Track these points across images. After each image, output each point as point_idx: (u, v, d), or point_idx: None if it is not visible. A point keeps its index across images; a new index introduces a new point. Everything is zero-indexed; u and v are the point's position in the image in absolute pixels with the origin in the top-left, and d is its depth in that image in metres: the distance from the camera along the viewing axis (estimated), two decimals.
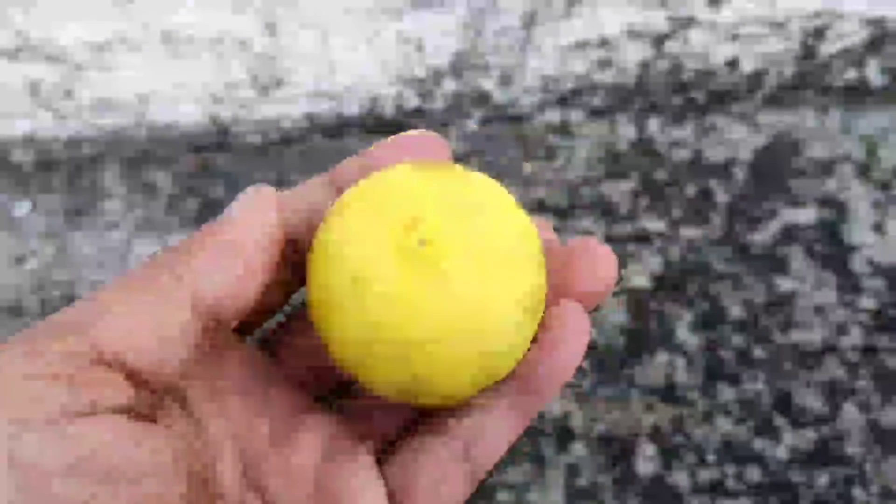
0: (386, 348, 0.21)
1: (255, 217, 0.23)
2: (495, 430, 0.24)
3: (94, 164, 0.55)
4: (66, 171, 0.54)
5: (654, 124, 0.55)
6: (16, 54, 0.48)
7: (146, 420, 0.21)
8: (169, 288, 0.21)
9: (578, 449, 0.42)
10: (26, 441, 0.19)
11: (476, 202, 0.23)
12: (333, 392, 0.26)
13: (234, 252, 0.22)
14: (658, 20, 0.51)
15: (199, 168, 0.54)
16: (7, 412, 0.19)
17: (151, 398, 0.22)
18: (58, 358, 0.20)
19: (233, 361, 0.24)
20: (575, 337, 0.25)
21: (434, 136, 0.26)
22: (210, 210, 0.52)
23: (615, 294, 0.47)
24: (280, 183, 0.52)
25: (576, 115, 0.55)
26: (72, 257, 0.50)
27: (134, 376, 0.21)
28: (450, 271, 0.21)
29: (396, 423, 0.25)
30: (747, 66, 0.54)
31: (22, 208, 0.53)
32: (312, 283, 0.22)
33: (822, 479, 0.40)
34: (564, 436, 0.42)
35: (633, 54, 0.53)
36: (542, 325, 0.23)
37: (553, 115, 0.55)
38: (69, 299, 0.48)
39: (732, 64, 0.54)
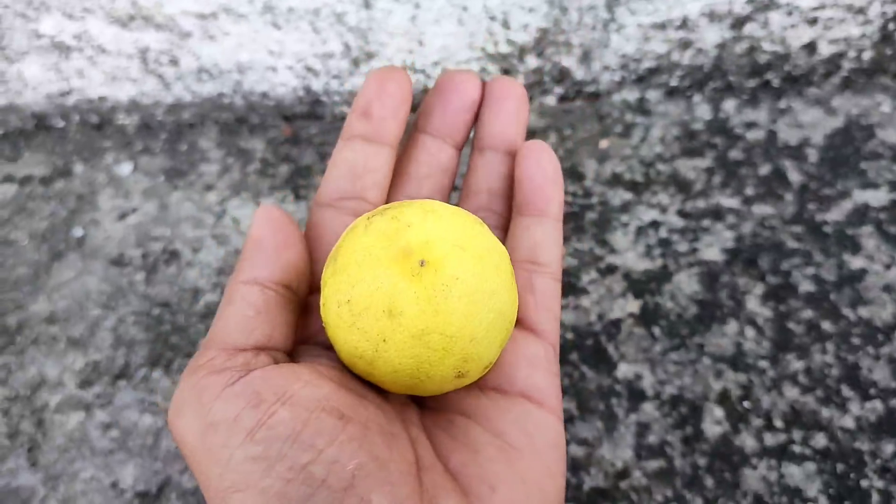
0: (391, 359, 0.27)
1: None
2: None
3: (192, 129, 0.58)
4: (167, 135, 0.58)
5: (729, 105, 0.56)
6: (128, 22, 0.52)
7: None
8: None
9: (648, 409, 0.43)
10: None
11: (462, 236, 0.28)
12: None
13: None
14: (738, 3, 0.52)
15: (291, 135, 0.57)
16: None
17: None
18: None
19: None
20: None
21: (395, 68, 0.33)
22: (300, 175, 0.55)
23: (688, 265, 0.48)
24: None
25: (653, 94, 0.56)
26: (171, 215, 0.53)
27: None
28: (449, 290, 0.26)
29: None
30: (825, 50, 0.55)
31: (125, 168, 0.56)
32: (322, 303, 0.28)
33: (889, 449, 0.41)
34: (635, 396, 0.44)
35: (711, 35, 0.54)
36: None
37: (631, 94, 0.57)
38: (170, 253, 0.51)
39: (810, 47, 0.55)
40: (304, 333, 0.32)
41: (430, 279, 0.26)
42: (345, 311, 0.27)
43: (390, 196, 0.35)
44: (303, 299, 0.31)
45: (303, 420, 0.25)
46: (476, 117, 0.36)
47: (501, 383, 0.31)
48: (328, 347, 0.31)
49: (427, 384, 0.28)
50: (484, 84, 0.36)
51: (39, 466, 0.43)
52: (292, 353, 0.31)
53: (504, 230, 0.35)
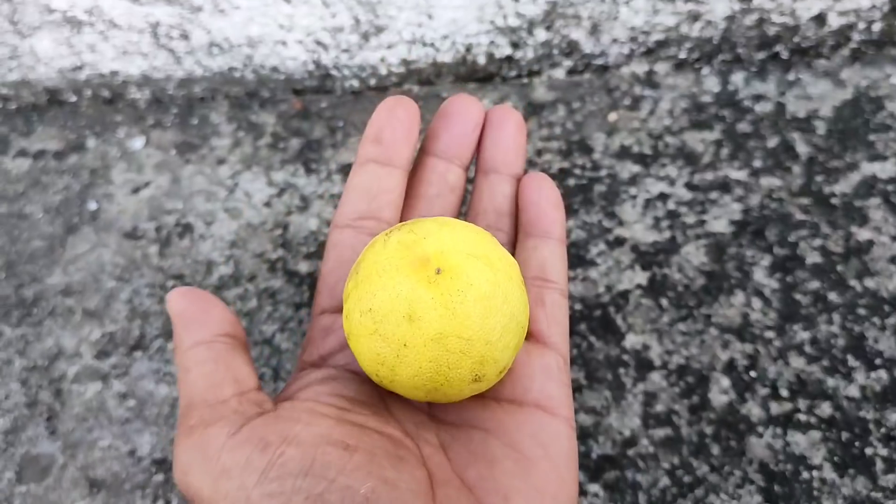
0: (412, 363, 0.28)
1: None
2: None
3: (203, 103, 0.58)
4: (178, 109, 0.58)
5: (738, 77, 0.56)
6: None
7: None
8: None
9: (656, 378, 0.44)
10: None
11: (473, 248, 0.30)
12: None
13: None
14: None
15: (302, 109, 0.57)
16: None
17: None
18: None
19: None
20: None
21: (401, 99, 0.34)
22: (310, 149, 0.55)
23: (696, 237, 0.49)
24: None
25: (662, 67, 0.57)
26: (183, 188, 0.54)
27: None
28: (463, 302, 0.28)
29: None
30: (834, 22, 0.55)
31: (137, 142, 0.57)
32: (345, 316, 0.30)
33: (893, 417, 0.42)
34: (643, 366, 0.45)
35: (720, 8, 0.54)
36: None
37: (640, 66, 0.57)
38: (183, 226, 0.52)
39: (819, 19, 0.55)
40: (321, 354, 0.33)
41: (447, 285, 0.28)
42: (367, 320, 0.28)
43: (403, 215, 0.38)
44: (244, 340, 0.33)
45: (310, 455, 0.26)
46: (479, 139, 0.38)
47: (516, 394, 0.32)
48: (343, 367, 0.33)
49: (446, 388, 0.29)
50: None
51: (58, 435, 0.44)
52: (311, 368, 0.33)
53: (511, 247, 0.38)
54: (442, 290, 0.28)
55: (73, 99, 0.59)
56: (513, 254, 0.37)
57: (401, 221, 0.37)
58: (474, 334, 0.28)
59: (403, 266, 0.28)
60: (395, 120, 0.35)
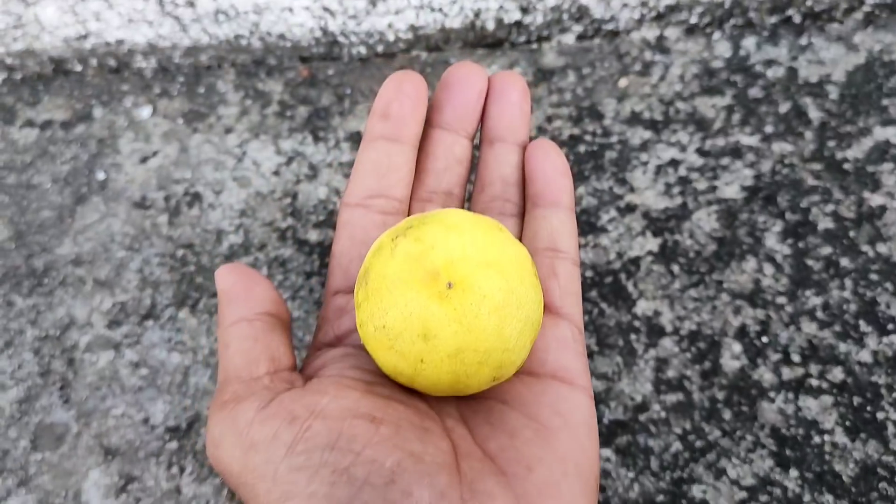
0: (430, 376, 0.28)
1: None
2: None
3: (210, 72, 0.58)
4: (185, 78, 0.58)
5: (749, 42, 0.55)
6: None
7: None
8: None
9: (667, 344, 0.44)
10: None
11: (482, 247, 0.29)
12: None
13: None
14: None
15: (309, 77, 0.57)
16: None
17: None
18: None
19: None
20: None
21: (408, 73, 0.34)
22: (318, 117, 0.55)
23: (707, 203, 0.48)
24: None
25: (672, 32, 0.56)
26: (191, 158, 0.54)
27: None
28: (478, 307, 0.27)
29: None
30: None
31: (144, 111, 0.56)
32: (359, 324, 0.30)
33: None
34: (654, 332, 0.45)
35: None
36: None
37: (650, 31, 0.56)
38: (192, 195, 0.52)
39: None
40: (336, 334, 0.33)
41: (459, 299, 0.27)
42: (381, 335, 0.28)
43: (412, 191, 0.37)
44: (286, 320, 0.34)
45: (337, 429, 0.26)
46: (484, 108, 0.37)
47: (533, 367, 0.32)
48: (360, 346, 0.33)
49: (466, 391, 0.29)
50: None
51: (72, 403, 0.45)
52: (329, 347, 0.33)
53: (520, 217, 0.37)
54: (455, 305, 0.27)
55: (79, 68, 0.59)
56: (521, 224, 0.37)
57: (410, 197, 0.37)
58: (491, 346, 0.28)
59: (413, 282, 0.27)
60: (402, 95, 0.35)
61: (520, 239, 0.36)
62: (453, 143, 0.37)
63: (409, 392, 0.31)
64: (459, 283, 0.27)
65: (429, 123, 0.37)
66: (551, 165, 0.35)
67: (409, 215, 0.36)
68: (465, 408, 0.31)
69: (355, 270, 0.34)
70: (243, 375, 0.30)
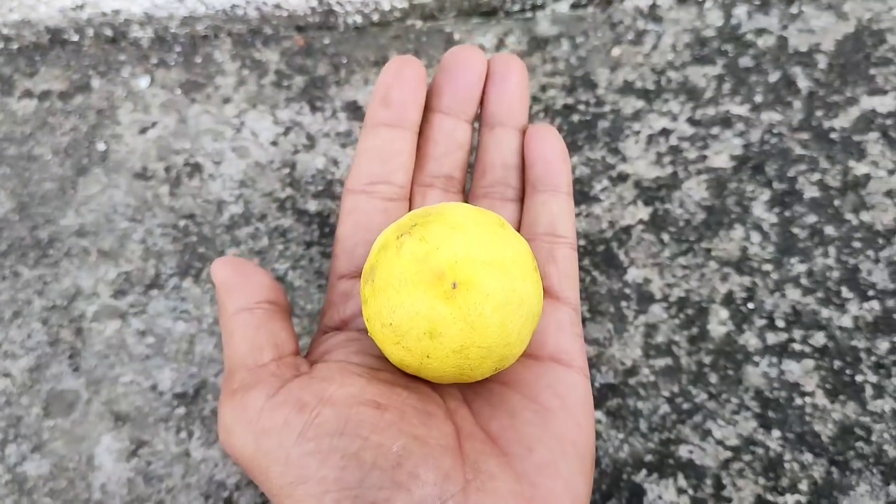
0: (435, 369, 0.30)
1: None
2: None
3: (206, 41, 0.58)
4: (182, 48, 0.58)
5: (741, 11, 0.56)
6: None
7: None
8: None
9: (656, 310, 0.46)
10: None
11: (486, 244, 0.30)
12: None
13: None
14: None
15: (305, 46, 0.57)
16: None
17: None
18: None
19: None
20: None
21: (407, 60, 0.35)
22: (315, 86, 0.55)
23: (697, 172, 0.50)
24: (377, 63, 0.55)
25: (665, 0, 0.57)
26: (190, 128, 0.54)
27: None
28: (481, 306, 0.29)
29: None
30: None
31: (142, 82, 0.57)
32: (366, 319, 0.31)
33: (884, 345, 0.43)
34: (644, 299, 0.46)
35: None
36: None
37: (642, 0, 0.57)
38: (192, 166, 0.53)
39: None
40: (342, 317, 0.35)
41: (464, 299, 0.29)
42: (388, 332, 0.30)
43: (414, 176, 0.38)
44: (286, 307, 0.35)
45: (344, 415, 0.28)
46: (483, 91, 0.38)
47: (533, 350, 0.34)
48: (365, 331, 0.34)
49: (469, 380, 0.31)
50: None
51: (81, 371, 0.46)
52: (336, 331, 0.35)
53: (519, 202, 0.38)
54: (459, 304, 0.28)
55: (76, 38, 0.59)
56: (521, 208, 0.38)
57: (412, 182, 0.38)
58: (494, 342, 0.29)
59: (420, 282, 0.29)
60: (402, 80, 0.36)
61: (519, 224, 0.38)
62: (454, 127, 0.37)
63: (412, 377, 0.32)
64: (464, 283, 0.29)
65: (429, 108, 0.38)
66: (551, 150, 0.36)
67: (410, 200, 0.37)
68: (468, 389, 0.33)
69: (359, 255, 0.35)
70: (249, 363, 0.31)
